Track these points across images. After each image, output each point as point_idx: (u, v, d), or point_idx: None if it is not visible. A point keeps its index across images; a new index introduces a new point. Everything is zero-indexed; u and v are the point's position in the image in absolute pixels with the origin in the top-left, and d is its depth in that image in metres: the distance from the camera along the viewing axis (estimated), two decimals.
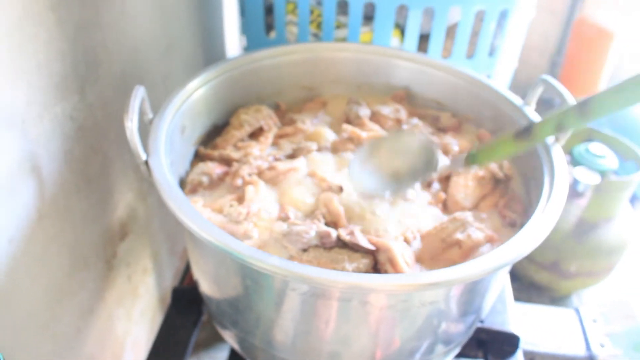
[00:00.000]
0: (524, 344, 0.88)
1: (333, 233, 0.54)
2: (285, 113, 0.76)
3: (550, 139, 0.58)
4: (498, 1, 0.77)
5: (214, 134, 0.71)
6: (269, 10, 0.86)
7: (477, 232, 0.56)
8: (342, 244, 0.54)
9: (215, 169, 0.63)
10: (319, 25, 0.83)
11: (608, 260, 1.24)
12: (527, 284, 1.34)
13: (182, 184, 0.63)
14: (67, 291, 0.62)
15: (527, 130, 0.49)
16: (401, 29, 0.83)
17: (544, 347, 0.89)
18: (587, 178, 1.14)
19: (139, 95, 0.54)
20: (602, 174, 1.15)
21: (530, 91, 0.65)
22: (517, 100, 0.67)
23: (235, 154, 0.65)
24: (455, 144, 0.70)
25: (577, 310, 0.96)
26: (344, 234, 0.54)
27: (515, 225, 0.59)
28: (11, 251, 0.51)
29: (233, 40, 1.09)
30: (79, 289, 0.65)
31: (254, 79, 0.73)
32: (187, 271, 0.85)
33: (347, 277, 0.44)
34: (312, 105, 0.78)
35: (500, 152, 0.52)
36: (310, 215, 0.58)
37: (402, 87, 0.78)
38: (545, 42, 1.79)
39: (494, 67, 0.85)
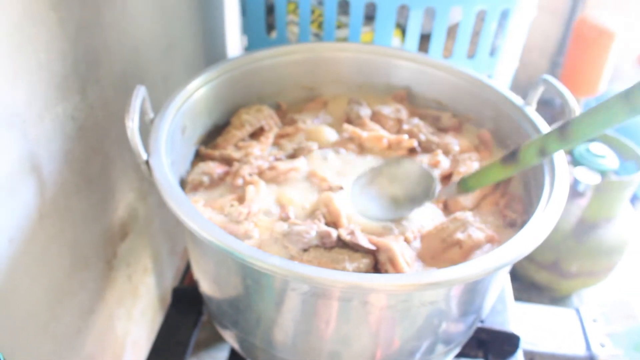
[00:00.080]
0: (524, 344, 0.88)
1: (333, 233, 0.54)
2: (286, 113, 0.76)
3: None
4: (499, 1, 0.76)
5: (214, 134, 0.71)
6: (270, 10, 0.86)
7: (477, 232, 0.56)
8: (342, 244, 0.54)
9: (216, 168, 0.63)
10: (320, 25, 0.83)
11: (608, 260, 1.24)
12: (527, 283, 1.34)
13: (183, 183, 0.63)
14: (68, 291, 0.62)
15: (512, 156, 0.50)
16: (402, 29, 0.83)
17: (544, 347, 0.89)
18: (588, 178, 1.14)
19: (140, 95, 0.54)
20: (603, 173, 1.15)
21: (531, 91, 0.65)
22: (517, 100, 0.67)
23: (236, 154, 0.65)
24: (456, 144, 0.70)
25: (577, 310, 0.96)
26: (344, 234, 0.54)
27: (515, 225, 0.59)
28: (11, 251, 0.51)
29: (234, 40, 1.09)
30: (79, 289, 0.65)
31: (254, 78, 0.73)
32: (187, 271, 0.85)
33: (347, 277, 0.44)
34: (313, 105, 0.78)
35: (489, 178, 0.53)
36: (311, 215, 0.58)
37: (403, 87, 0.78)
38: (546, 42, 1.79)
39: (494, 67, 0.85)
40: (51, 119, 0.54)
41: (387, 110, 0.73)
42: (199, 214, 0.48)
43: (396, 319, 0.50)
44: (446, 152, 0.69)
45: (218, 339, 1.00)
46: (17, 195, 0.51)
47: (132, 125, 0.52)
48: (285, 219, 0.57)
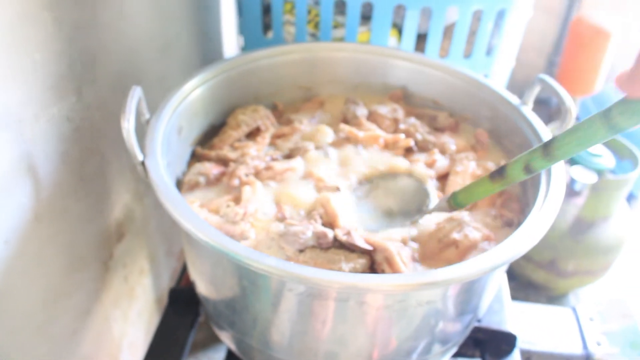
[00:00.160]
0: (521, 343, 0.88)
1: (330, 233, 0.54)
2: (283, 113, 0.76)
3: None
4: (495, 1, 0.77)
5: (211, 134, 0.71)
6: (266, 10, 0.86)
7: (474, 231, 0.56)
8: (338, 244, 0.54)
9: (212, 169, 0.63)
10: (316, 25, 0.83)
11: (605, 259, 1.24)
12: (524, 283, 1.34)
13: (179, 184, 0.63)
14: (64, 292, 0.62)
15: (500, 172, 0.51)
16: (399, 28, 0.83)
17: (541, 346, 0.90)
18: (584, 177, 1.14)
19: (135, 95, 0.54)
20: (599, 172, 1.16)
21: (527, 90, 0.65)
22: (514, 99, 0.67)
23: (232, 154, 0.65)
24: (452, 143, 0.70)
25: (574, 309, 0.96)
26: (340, 234, 0.54)
27: (512, 225, 0.60)
28: (7, 252, 0.51)
29: (230, 40, 1.09)
30: (76, 290, 0.65)
31: (251, 79, 0.73)
32: (184, 272, 0.84)
33: (343, 277, 0.44)
34: (310, 105, 0.78)
35: (478, 193, 0.54)
36: (307, 215, 0.58)
37: (399, 86, 0.78)
38: (542, 41, 1.80)
39: (491, 67, 0.85)
40: (47, 119, 0.54)
41: (384, 110, 0.73)
42: (195, 215, 0.48)
43: (393, 319, 0.50)
44: (443, 152, 0.69)
45: (215, 340, 1.00)
46: (13, 196, 0.51)
47: (128, 125, 0.51)
48: (281, 219, 0.57)
